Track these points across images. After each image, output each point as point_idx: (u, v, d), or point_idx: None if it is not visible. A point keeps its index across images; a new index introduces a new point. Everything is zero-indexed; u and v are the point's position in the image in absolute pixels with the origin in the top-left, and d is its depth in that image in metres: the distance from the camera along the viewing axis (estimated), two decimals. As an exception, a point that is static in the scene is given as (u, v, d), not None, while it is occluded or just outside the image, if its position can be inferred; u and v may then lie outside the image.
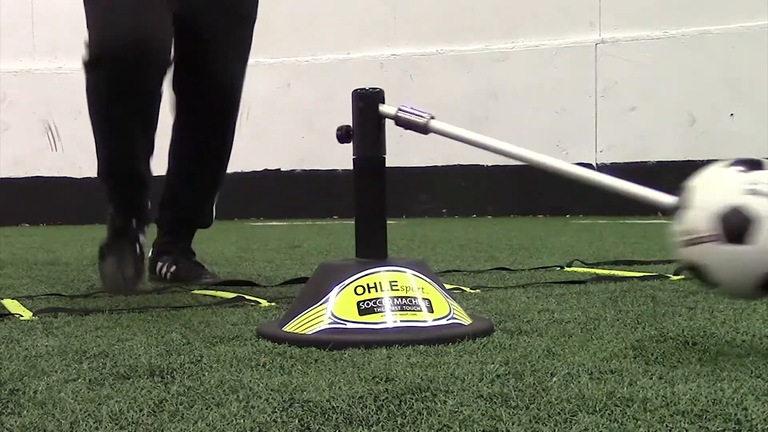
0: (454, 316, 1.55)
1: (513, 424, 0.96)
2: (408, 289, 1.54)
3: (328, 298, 1.54)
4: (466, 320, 1.57)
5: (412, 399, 1.08)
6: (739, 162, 1.43)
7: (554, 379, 1.17)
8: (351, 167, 1.65)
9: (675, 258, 1.62)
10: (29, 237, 5.71)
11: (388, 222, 1.67)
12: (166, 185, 2.55)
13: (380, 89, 1.66)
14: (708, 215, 1.31)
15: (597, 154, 7.39)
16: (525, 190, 7.47)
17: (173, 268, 2.59)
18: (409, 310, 1.51)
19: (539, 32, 7.54)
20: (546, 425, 0.96)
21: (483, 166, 7.51)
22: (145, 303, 2.10)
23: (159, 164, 2.46)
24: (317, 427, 0.98)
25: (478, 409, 1.03)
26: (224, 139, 2.58)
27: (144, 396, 1.13)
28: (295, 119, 7.97)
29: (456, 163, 7.53)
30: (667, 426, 0.95)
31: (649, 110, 7.21)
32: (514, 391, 1.11)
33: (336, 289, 1.54)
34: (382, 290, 1.52)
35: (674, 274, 2.42)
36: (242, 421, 1.00)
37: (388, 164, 1.66)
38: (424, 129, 1.69)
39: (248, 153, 7.42)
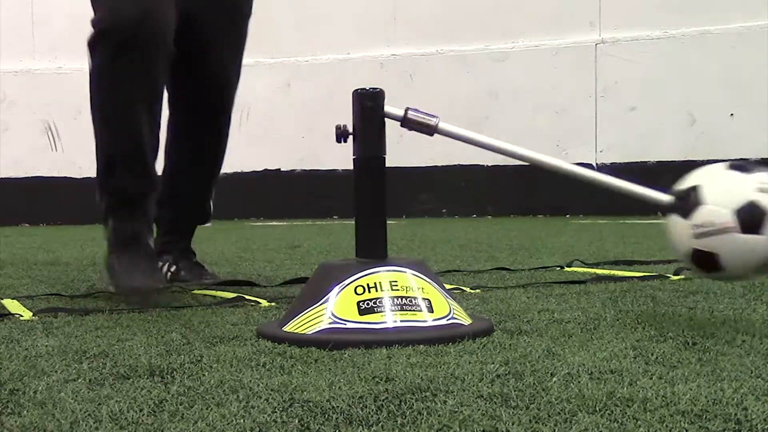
0: (454, 316, 1.55)
1: (513, 424, 0.96)
2: (408, 289, 1.54)
3: (328, 298, 1.54)
4: (466, 320, 1.57)
5: (412, 399, 1.08)
6: (735, 165, 1.64)
7: (554, 379, 1.17)
8: (351, 167, 1.65)
9: (676, 257, 1.68)
10: (29, 237, 5.71)
11: (388, 222, 1.67)
12: (164, 184, 2.54)
13: (380, 89, 1.66)
14: (726, 210, 1.51)
15: (597, 154, 7.39)
16: (525, 190, 7.47)
17: (173, 268, 2.58)
18: (409, 310, 1.51)
19: (539, 32, 7.54)
20: (546, 425, 0.96)
21: (483, 166, 7.51)
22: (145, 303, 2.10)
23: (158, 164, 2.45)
24: (317, 427, 0.98)
25: (478, 409, 1.03)
26: (220, 137, 2.57)
27: (144, 396, 1.13)
28: (295, 119, 7.98)
29: (456, 163, 7.53)
30: (667, 426, 0.95)
31: (649, 110, 7.21)
32: (514, 391, 1.11)
33: (336, 289, 1.54)
34: (382, 290, 1.52)
35: (674, 274, 2.42)
36: (242, 421, 1.00)
37: (388, 164, 1.67)
38: (432, 131, 1.72)
39: (248, 153, 7.43)
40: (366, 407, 1.05)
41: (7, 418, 1.04)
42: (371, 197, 1.66)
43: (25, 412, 1.07)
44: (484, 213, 7.68)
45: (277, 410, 1.04)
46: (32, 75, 8.10)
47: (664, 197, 1.64)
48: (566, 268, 2.74)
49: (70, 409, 1.07)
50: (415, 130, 1.74)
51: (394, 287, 1.53)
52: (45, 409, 1.07)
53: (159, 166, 2.41)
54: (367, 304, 1.51)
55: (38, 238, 5.57)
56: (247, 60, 2.57)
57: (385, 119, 1.66)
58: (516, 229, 5.51)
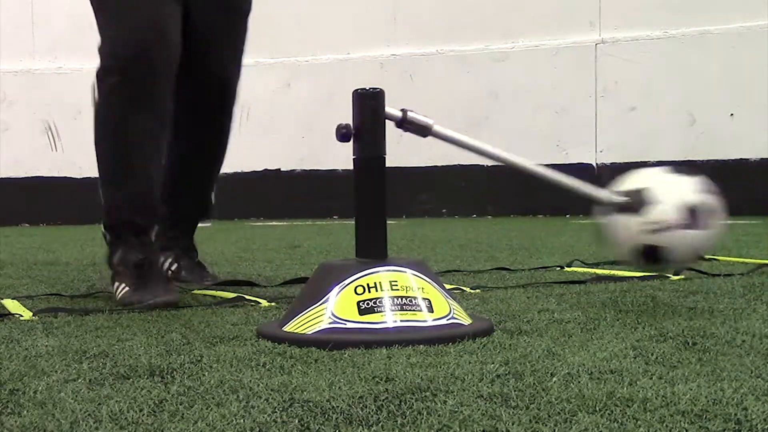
0: (454, 316, 1.55)
1: (513, 424, 0.96)
2: (408, 288, 1.54)
3: (328, 298, 1.54)
4: (466, 320, 1.57)
5: (412, 399, 1.08)
6: (673, 170, 1.87)
7: (554, 379, 1.17)
8: (351, 167, 1.65)
9: (612, 251, 1.81)
10: (29, 237, 5.71)
11: (388, 222, 1.67)
12: (165, 181, 2.53)
13: (380, 89, 1.66)
14: (674, 208, 1.76)
15: (597, 154, 7.39)
16: (525, 190, 7.47)
17: (175, 266, 2.57)
18: (409, 310, 1.51)
19: (539, 32, 7.54)
20: (546, 425, 0.96)
21: (483, 166, 7.50)
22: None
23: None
24: (317, 427, 0.98)
25: (478, 409, 1.03)
26: (221, 136, 2.57)
27: (144, 396, 1.13)
28: (295, 119, 7.97)
29: (456, 163, 7.52)
30: (667, 426, 0.95)
31: (649, 110, 7.21)
32: (514, 391, 1.11)
33: (336, 289, 1.54)
34: (382, 290, 1.52)
35: (674, 274, 2.42)
36: (242, 421, 1.00)
37: (388, 164, 1.67)
38: (427, 133, 1.74)
39: (248, 153, 7.43)
40: (366, 407, 1.05)
41: (7, 418, 1.04)
42: (371, 197, 1.66)
43: (25, 412, 1.07)
44: (484, 213, 7.68)
45: (277, 410, 1.04)
46: (32, 75, 8.09)
47: (614, 197, 1.83)
48: (566, 268, 2.74)
49: (70, 409, 1.07)
50: (411, 132, 1.76)
51: (394, 287, 1.53)
52: (45, 409, 1.07)
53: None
54: (367, 304, 1.51)
55: (38, 238, 5.57)
56: (247, 60, 2.57)
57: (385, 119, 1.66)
58: (516, 229, 5.51)
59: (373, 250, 1.63)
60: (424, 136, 1.78)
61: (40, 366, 1.34)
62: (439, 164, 7.63)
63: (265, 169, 7.99)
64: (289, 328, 1.55)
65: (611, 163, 7.31)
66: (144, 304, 2.01)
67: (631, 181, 1.85)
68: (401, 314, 1.50)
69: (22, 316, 1.89)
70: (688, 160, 7.06)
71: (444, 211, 7.83)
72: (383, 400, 1.07)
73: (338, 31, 7.87)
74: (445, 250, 3.75)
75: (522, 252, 3.56)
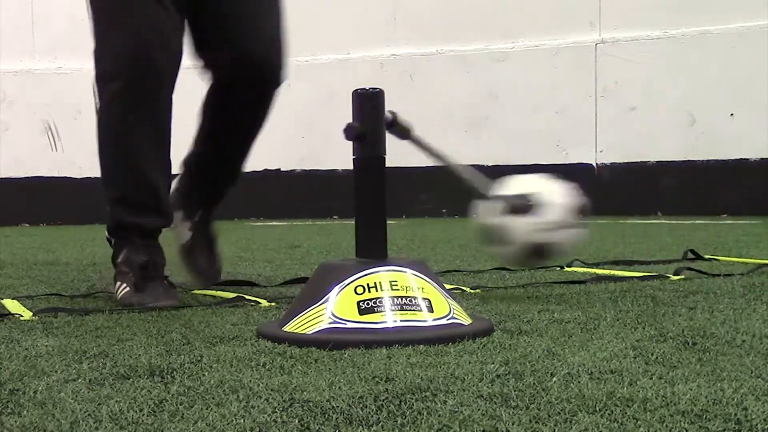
0: (454, 316, 1.55)
1: (513, 424, 0.96)
2: (408, 288, 1.54)
3: (328, 298, 1.54)
4: (466, 320, 1.57)
5: (412, 399, 1.08)
6: (550, 176, 2.12)
7: (554, 379, 1.17)
8: (351, 167, 1.65)
9: (492, 248, 2.13)
10: (29, 237, 5.71)
11: (388, 222, 1.67)
12: (194, 149, 2.44)
13: (380, 89, 1.66)
14: (569, 209, 2.05)
15: (597, 154, 7.39)
16: (525, 190, 7.46)
17: (189, 237, 2.47)
18: (409, 310, 1.51)
19: (539, 32, 7.54)
20: (546, 425, 0.96)
21: (483, 166, 7.51)
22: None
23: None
24: (317, 427, 0.98)
25: (478, 409, 1.03)
26: (261, 114, 2.43)
27: (144, 396, 1.13)
28: (295, 119, 7.97)
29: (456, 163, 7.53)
30: (667, 426, 0.95)
31: (649, 110, 7.21)
32: (514, 391, 1.11)
33: (336, 289, 1.54)
34: (382, 290, 1.52)
35: (674, 274, 2.42)
36: (242, 421, 1.00)
37: (388, 164, 1.67)
38: (407, 135, 1.85)
39: (248, 153, 7.43)
40: (366, 407, 1.05)
41: (7, 418, 1.04)
42: (371, 197, 1.66)
43: (25, 412, 1.07)
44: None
45: (277, 410, 1.04)
46: (32, 75, 8.09)
47: (505, 200, 2.05)
48: (566, 268, 2.74)
49: (70, 409, 1.07)
50: (394, 134, 1.79)
51: (394, 287, 1.53)
52: (45, 409, 1.07)
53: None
54: (367, 303, 1.51)
55: (38, 238, 5.57)
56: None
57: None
58: (516, 229, 5.50)
59: (373, 250, 1.63)
60: (404, 139, 1.87)
61: (40, 366, 1.34)
62: (437, 164, 7.63)
63: (265, 169, 7.99)
64: (289, 328, 1.55)
65: (611, 163, 7.31)
66: (143, 306, 2.01)
67: (516, 186, 2.09)
68: (401, 314, 1.50)
69: (22, 316, 1.89)
70: (688, 160, 7.06)
71: (444, 211, 7.83)
72: (383, 400, 1.07)
73: (338, 31, 7.87)
74: (445, 250, 3.75)
75: (522, 252, 3.55)
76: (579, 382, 1.15)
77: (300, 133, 7.94)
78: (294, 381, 1.19)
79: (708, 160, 7.00)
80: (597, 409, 1.02)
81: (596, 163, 7.37)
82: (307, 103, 7.87)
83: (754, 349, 1.36)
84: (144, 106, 2.16)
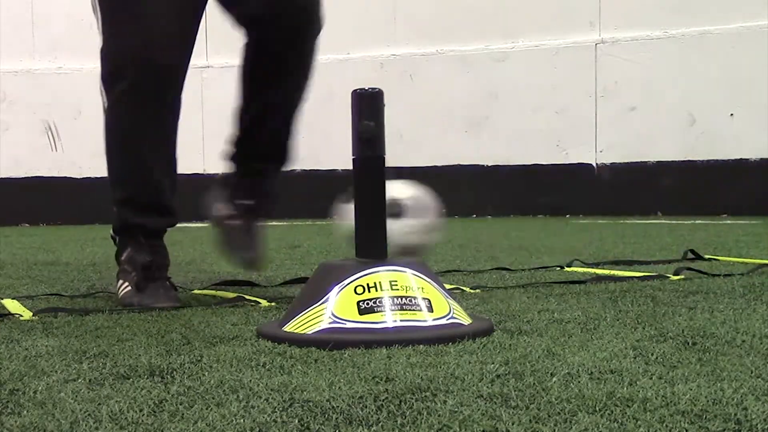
0: (454, 316, 1.55)
1: (513, 424, 0.96)
2: (408, 288, 1.54)
3: (328, 298, 1.54)
4: (466, 320, 1.57)
5: (412, 399, 1.08)
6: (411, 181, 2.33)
7: (554, 379, 1.17)
8: (351, 167, 1.65)
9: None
10: (29, 237, 5.71)
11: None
12: (239, 121, 2.30)
13: (380, 89, 1.66)
14: (436, 212, 2.31)
15: (597, 154, 7.39)
16: (525, 190, 7.48)
17: (233, 221, 2.30)
18: (409, 310, 1.51)
19: (539, 32, 7.54)
20: (546, 425, 0.96)
21: (483, 166, 7.51)
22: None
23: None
24: (317, 427, 0.98)
25: (478, 409, 1.03)
26: (304, 68, 2.28)
27: (144, 396, 1.13)
28: (295, 119, 7.97)
29: (456, 163, 7.53)
30: (667, 426, 0.95)
31: (649, 110, 7.21)
32: (514, 391, 1.11)
33: (336, 289, 1.54)
34: (382, 290, 1.52)
35: (674, 274, 2.42)
36: (242, 421, 1.00)
37: (388, 164, 1.67)
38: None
39: (248, 153, 7.43)
40: (366, 407, 1.05)
41: (7, 418, 1.04)
42: (371, 197, 1.66)
43: (25, 412, 1.07)
44: (484, 213, 7.68)
45: (277, 410, 1.04)
46: (32, 75, 8.10)
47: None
48: (566, 268, 2.74)
49: (70, 409, 1.07)
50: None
51: (394, 287, 1.53)
52: (45, 409, 1.07)
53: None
54: (367, 303, 1.51)
55: (38, 238, 5.57)
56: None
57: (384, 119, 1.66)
58: (516, 229, 5.51)
59: (373, 250, 1.63)
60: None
61: (40, 366, 1.34)
62: (439, 164, 7.63)
63: (265, 169, 8.00)
64: (289, 328, 1.55)
65: (611, 163, 7.31)
66: (143, 306, 2.01)
67: (395, 192, 2.22)
68: (401, 314, 1.50)
69: (22, 316, 1.89)
70: (688, 160, 7.06)
71: (444, 211, 7.83)
72: (383, 400, 1.07)
73: (338, 31, 7.86)
74: (445, 250, 3.75)
75: (522, 252, 3.56)
76: (579, 382, 1.15)
77: (300, 133, 7.95)
78: (294, 381, 1.19)
79: (708, 160, 7.00)
80: (597, 409, 1.02)
81: (596, 163, 7.37)
82: (307, 103, 7.87)
83: (754, 349, 1.36)
84: (151, 106, 2.14)
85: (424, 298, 1.54)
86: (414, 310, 1.52)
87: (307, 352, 1.41)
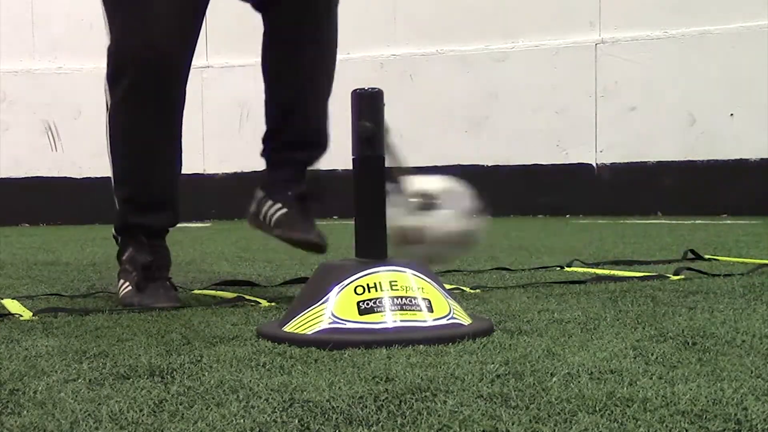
0: (454, 316, 1.55)
1: (513, 424, 0.96)
2: (408, 288, 1.54)
3: (328, 298, 1.54)
4: (466, 320, 1.57)
5: (412, 399, 1.08)
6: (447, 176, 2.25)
7: (554, 379, 1.17)
8: (351, 167, 1.65)
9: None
10: (29, 237, 5.71)
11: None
12: (271, 114, 2.26)
13: (380, 89, 1.66)
14: (472, 200, 2.24)
15: (597, 154, 7.39)
16: (525, 190, 7.48)
17: (280, 213, 2.23)
18: (409, 310, 1.51)
19: (539, 32, 7.54)
20: (546, 425, 0.96)
21: (483, 166, 7.51)
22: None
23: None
24: (317, 427, 0.98)
25: (478, 409, 1.03)
26: (329, 40, 2.25)
27: (144, 396, 1.13)
28: (295, 119, 7.97)
29: (456, 163, 7.53)
30: (667, 426, 0.95)
31: (649, 110, 7.21)
32: (514, 391, 1.11)
33: (336, 289, 1.54)
34: (382, 290, 1.52)
35: (674, 274, 2.42)
36: (242, 421, 1.00)
37: (388, 164, 1.67)
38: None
39: (248, 153, 7.42)
40: (366, 407, 1.05)
41: (7, 418, 1.04)
42: (371, 197, 1.66)
43: (25, 412, 1.07)
44: (484, 213, 7.68)
45: (277, 410, 1.04)
46: (32, 75, 8.10)
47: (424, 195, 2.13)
48: (566, 268, 2.74)
49: (70, 409, 1.07)
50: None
51: (393, 287, 1.53)
52: (45, 409, 1.07)
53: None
54: (367, 304, 1.51)
55: (38, 238, 5.57)
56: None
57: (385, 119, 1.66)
58: (516, 229, 5.51)
59: (373, 250, 1.63)
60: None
61: (40, 366, 1.34)
62: (439, 164, 7.63)
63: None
64: (289, 328, 1.55)
65: (611, 163, 7.31)
66: (143, 306, 2.01)
67: (420, 185, 2.16)
68: (401, 314, 1.50)
69: (22, 316, 1.89)
70: (688, 160, 7.06)
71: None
72: (383, 400, 1.07)
73: (338, 31, 7.87)
74: (445, 250, 3.74)
75: (522, 252, 3.56)
76: (579, 382, 1.15)
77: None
78: (294, 381, 1.19)
79: (708, 160, 7.00)
80: (597, 409, 1.02)
81: (596, 163, 7.37)
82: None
83: (754, 349, 1.36)
84: (152, 105, 2.14)
85: (424, 299, 1.54)
86: (414, 310, 1.52)
87: (307, 352, 1.41)
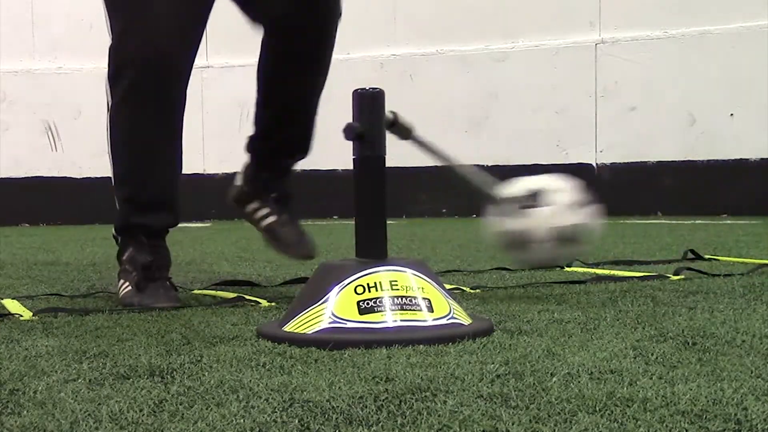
0: (454, 316, 1.55)
1: (513, 424, 0.96)
2: (408, 288, 1.54)
3: (328, 298, 1.54)
4: (466, 320, 1.57)
5: (412, 399, 1.08)
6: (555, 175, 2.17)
7: (554, 379, 1.17)
8: (351, 167, 1.65)
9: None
10: (29, 237, 5.71)
11: (388, 222, 1.67)
12: (261, 119, 2.34)
13: (381, 89, 1.66)
14: (578, 193, 2.12)
15: (597, 154, 7.39)
16: (525, 190, 7.46)
17: (271, 219, 2.35)
18: (409, 310, 1.51)
19: (539, 32, 7.54)
20: (546, 425, 0.96)
21: (483, 166, 7.50)
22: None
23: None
24: (317, 427, 0.98)
25: (478, 409, 1.03)
26: (323, 57, 2.29)
27: (144, 396, 1.13)
28: (295, 119, 7.97)
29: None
30: (667, 426, 0.95)
31: (649, 110, 7.21)
32: (514, 391, 1.11)
33: (336, 289, 1.54)
34: (382, 290, 1.52)
35: (674, 274, 2.42)
36: (242, 421, 1.00)
37: (388, 164, 1.67)
38: (408, 135, 1.86)
39: (248, 153, 7.43)
40: (366, 407, 1.05)
41: (7, 418, 1.04)
42: (371, 197, 1.66)
43: (25, 412, 1.07)
44: (484, 213, 7.68)
45: (277, 410, 1.04)
46: (32, 75, 8.09)
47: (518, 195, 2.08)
48: (566, 268, 2.74)
49: (70, 409, 1.07)
50: (395, 134, 1.79)
51: (394, 287, 1.53)
52: (45, 409, 1.07)
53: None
54: (367, 303, 1.51)
55: (38, 238, 5.57)
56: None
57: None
58: (516, 229, 5.50)
59: (373, 250, 1.63)
60: (406, 139, 1.87)
61: (40, 366, 1.34)
62: (439, 164, 7.63)
63: (265, 169, 8.00)
64: (289, 328, 1.55)
65: (611, 163, 7.31)
66: (143, 306, 2.01)
67: (523, 186, 2.10)
68: (401, 314, 1.50)
69: (22, 316, 1.89)
70: (688, 160, 7.06)
71: (444, 211, 7.83)
72: (383, 400, 1.07)
73: (338, 31, 7.87)
74: (445, 250, 3.75)
75: (522, 252, 3.55)
76: (579, 382, 1.15)
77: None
78: (294, 381, 1.19)
79: (708, 160, 7.00)
80: (597, 409, 1.02)
81: (596, 163, 7.37)
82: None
83: (754, 349, 1.36)
84: (152, 104, 2.14)
85: (424, 298, 1.54)
86: (414, 310, 1.52)
87: (307, 352, 1.41)
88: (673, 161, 7.11)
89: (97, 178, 7.19)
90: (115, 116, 2.18)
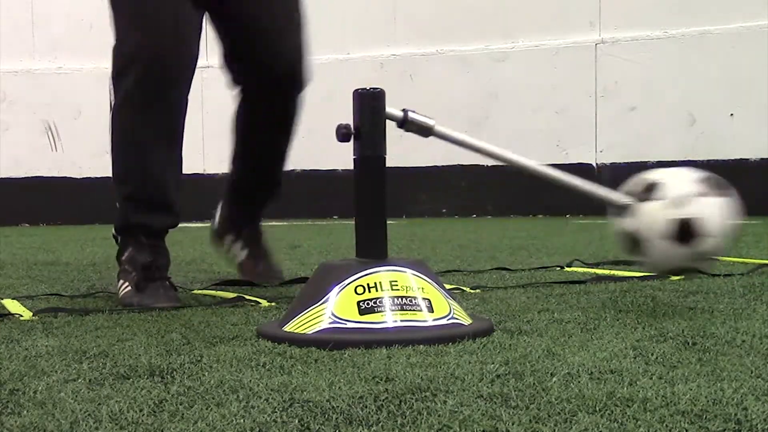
0: (454, 316, 1.55)
1: (513, 424, 0.96)
2: (408, 288, 1.54)
3: (328, 298, 1.54)
4: (466, 320, 1.57)
5: (412, 399, 1.08)
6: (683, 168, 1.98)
7: (554, 379, 1.17)
8: (351, 167, 1.65)
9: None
10: (29, 237, 5.71)
11: (388, 222, 1.67)
12: (230, 171, 2.54)
13: (381, 89, 1.66)
14: (693, 180, 1.90)
15: (597, 154, 7.39)
16: (525, 190, 7.47)
17: (245, 253, 2.60)
18: (409, 310, 1.51)
19: (539, 32, 7.54)
20: (546, 425, 0.96)
21: (483, 166, 7.51)
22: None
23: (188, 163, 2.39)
24: (317, 427, 0.98)
25: (478, 409, 1.03)
26: (290, 120, 2.50)
27: (144, 396, 1.13)
28: (295, 119, 7.97)
29: (456, 163, 7.53)
30: (667, 426, 0.95)
31: (649, 110, 7.21)
32: (514, 391, 1.11)
33: (336, 289, 1.54)
34: (382, 290, 1.52)
35: (674, 274, 2.42)
36: (242, 421, 1.00)
37: (388, 164, 1.66)
38: (428, 133, 1.77)
39: (248, 153, 7.43)
40: (366, 407, 1.05)
41: (7, 418, 1.04)
42: (371, 197, 1.66)
43: (25, 412, 1.07)
44: (484, 213, 7.68)
45: (277, 410, 1.04)
46: (32, 75, 8.09)
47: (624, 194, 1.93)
48: (566, 268, 2.74)
49: (70, 409, 1.07)
50: (413, 132, 1.77)
51: (394, 287, 1.53)
52: (45, 409, 1.07)
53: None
54: (367, 303, 1.51)
55: (38, 238, 5.57)
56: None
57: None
58: (516, 229, 5.51)
59: (373, 250, 1.63)
60: (426, 136, 1.81)
61: (40, 366, 1.34)
62: (439, 164, 7.63)
63: (265, 169, 7.99)
64: (289, 328, 1.55)
65: (611, 163, 7.31)
66: (143, 306, 2.01)
67: (639, 181, 1.94)
68: (401, 314, 1.50)
69: (22, 316, 1.89)
70: (688, 160, 7.06)
71: (444, 211, 7.83)
72: (383, 400, 1.07)
73: (338, 31, 7.87)
74: (445, 250, 3.75)
75: (522, 252, 3.56)
76: (579, 382, 1.15)
77: (300, 133, 7.94)
78: (294, 381, 1.19)
79: (708, 160, 7.00)
80: (597, 409, 1.02)
81: (596, 163, 7.37)
82: (306, 103, 7.87)
83: (754, 349, 1.36)
84: (156, 104, 2.15)
85: (424, 298, 1.54)
86: (414, 310, 1.52)
87: (307, 352, 1.41)
88: (673, 161, 7.10)
89: (97, 178, 7.19)
90: (118, 115, 2.19)
